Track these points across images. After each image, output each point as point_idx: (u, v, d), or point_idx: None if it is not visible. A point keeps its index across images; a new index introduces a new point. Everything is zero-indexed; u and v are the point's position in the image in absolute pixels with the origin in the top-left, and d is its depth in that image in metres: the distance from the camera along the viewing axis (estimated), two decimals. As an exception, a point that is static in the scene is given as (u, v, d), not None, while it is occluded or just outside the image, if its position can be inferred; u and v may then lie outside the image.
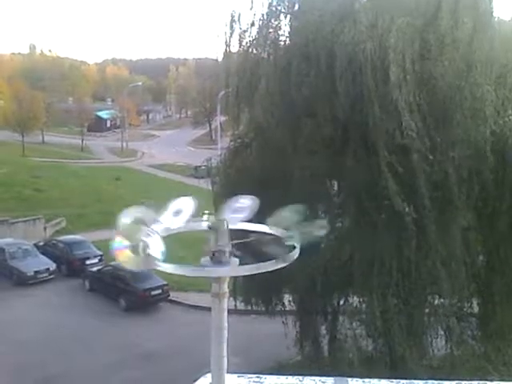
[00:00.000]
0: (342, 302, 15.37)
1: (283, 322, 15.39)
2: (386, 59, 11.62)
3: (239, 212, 2.64)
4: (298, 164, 13.23)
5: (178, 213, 2.61)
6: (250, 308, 15.92)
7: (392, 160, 11.74)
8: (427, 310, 13.85)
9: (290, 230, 2.53)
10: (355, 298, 14.92)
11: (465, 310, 14.32)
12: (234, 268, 2.47)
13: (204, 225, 2.62)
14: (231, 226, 2.64)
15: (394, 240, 12.34)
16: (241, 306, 15.30)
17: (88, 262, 24.57)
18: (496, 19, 13.16)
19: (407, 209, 12.07)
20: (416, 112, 11.69)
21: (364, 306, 14.13)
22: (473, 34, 11.91)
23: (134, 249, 2.28)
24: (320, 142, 13.56)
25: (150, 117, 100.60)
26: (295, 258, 2.49)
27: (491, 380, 9.88)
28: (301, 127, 13.44)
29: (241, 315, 16.37)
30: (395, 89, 11.46)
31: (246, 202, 2.72)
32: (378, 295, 12.68)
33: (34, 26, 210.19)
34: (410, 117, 11.58)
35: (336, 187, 14.99)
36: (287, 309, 15.99)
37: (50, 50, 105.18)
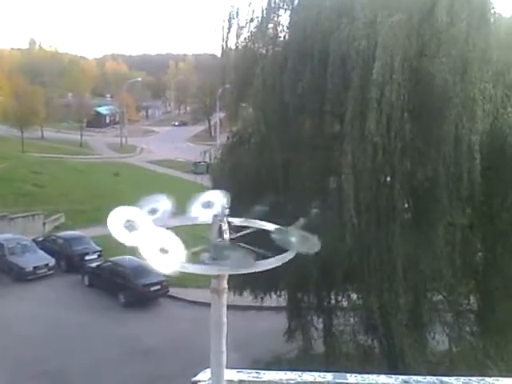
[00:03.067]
0: (339, 298, 15.41)
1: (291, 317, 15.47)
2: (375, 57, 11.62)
3: (209, 207, 2.64)
4: (295, 160, 13.25)
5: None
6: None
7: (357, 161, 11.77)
8: (426, 306, 13.87)
9: (288, 234, 2.55)
10: (353, 293, 14.97)
11: (463, 306, 14.36)
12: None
13: (205, 220, 2.63)
14: (239, 223, 2.65)
15: (391, 236, 12.36)
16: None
17: (87, 258, 24.55)
18: (496, 16, 13.09)
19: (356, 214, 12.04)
20: (401, 110, 11.66)
21: (362, 301, 14.17)
22: (469, 31, 11.87)
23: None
24: (317, 138, 13.59)
25: (150, 113, 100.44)
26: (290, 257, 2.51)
27: (490, 376, 9.90)
28: (297, 123, 13.47)
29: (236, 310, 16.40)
30: (375, 87, 11.44)
31: (217, 197, 2.72)
32: (376, 291, 12.70)
33: (34, 21, 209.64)
34: (393, 115, 11.56)
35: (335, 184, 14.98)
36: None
37: (49, 46, 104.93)
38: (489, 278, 13.39)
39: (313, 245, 2.55)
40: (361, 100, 11.77)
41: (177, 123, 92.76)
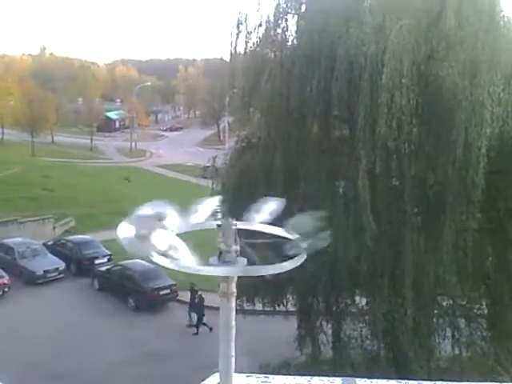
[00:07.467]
0: (348, 303, 15.34)
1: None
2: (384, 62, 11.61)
3: (263, 213, 2.68)
4: (302, 165, 13.26)
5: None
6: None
7: (375, 165, 11.75)
8: (436, 311, 13.78)
9: (298, 239, 2.56)
10: (360, 298, 14.91)
11: (474, 311, 14.24)
12: (242, 268, 2.48)
13: (213, 224, 2.65)
14: (247, 226, 2.67)
15: (403, 241, 12.31)
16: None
17: (97, 262, 24.65)
18: (505, 19, 13.02)
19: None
20: (410, 114, 11.63)
21: (370, 306, 14.11)
22: (477, 34, 11.83)
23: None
24: (324, 142, 13.61)
25: (159, 117, 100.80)
26: (302, 261, 2.51)
27: (501, 381, 9.82)
28: (304, 128, 13.50)
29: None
30: (385, 92, 11.42)
31: (272, 204, 2.77)
32: (384, 296, 12.64)
33: (45, 27, 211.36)
34: (403, 119, 11.54)
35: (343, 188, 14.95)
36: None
37: (60, 51, 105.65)
38: (500, 283, 13.29)
39: (323, 238, 2.56)
40: (371, 105, 11.77)
41: (163, 128, 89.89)
